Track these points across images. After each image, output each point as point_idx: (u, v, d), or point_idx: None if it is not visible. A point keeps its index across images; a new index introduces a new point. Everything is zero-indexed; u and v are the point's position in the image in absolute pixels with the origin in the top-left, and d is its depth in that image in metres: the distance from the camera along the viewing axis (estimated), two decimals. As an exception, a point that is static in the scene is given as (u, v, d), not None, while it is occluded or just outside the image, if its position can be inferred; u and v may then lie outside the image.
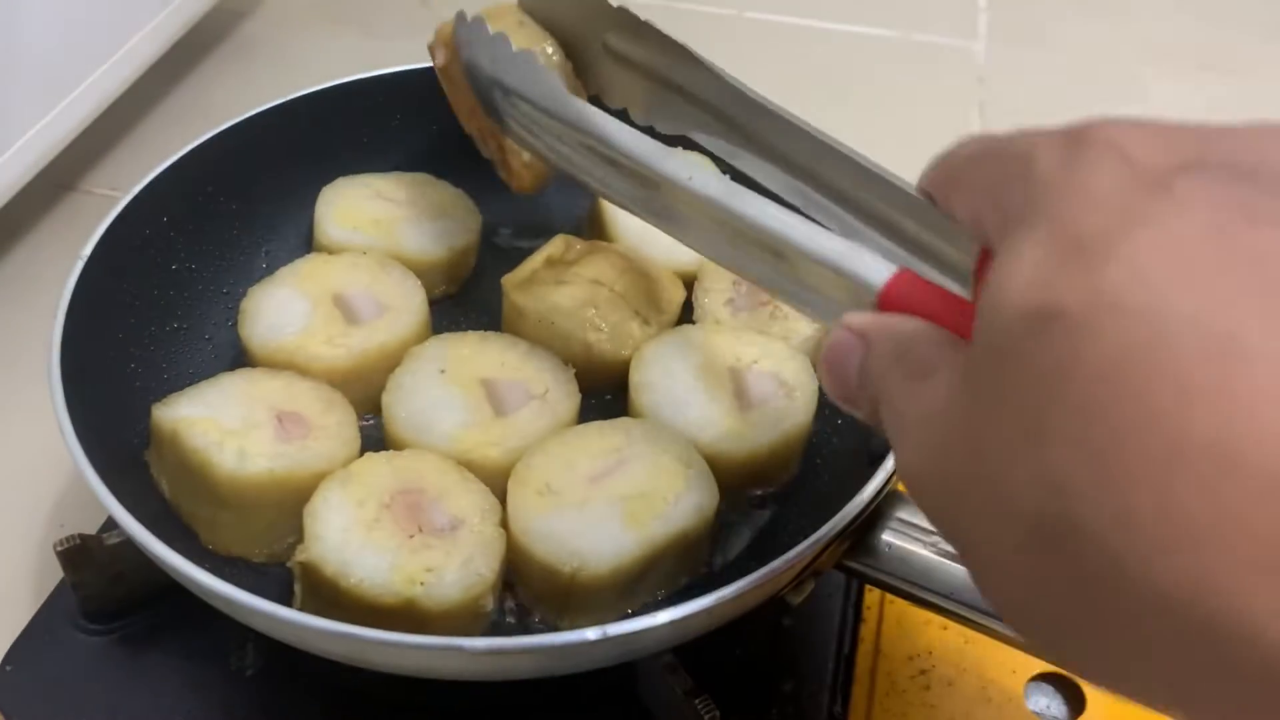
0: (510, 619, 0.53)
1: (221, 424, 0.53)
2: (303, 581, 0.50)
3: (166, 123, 1.06)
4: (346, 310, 0.60)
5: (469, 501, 0.52)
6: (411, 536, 0.50)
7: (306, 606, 0.50)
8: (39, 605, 0.58)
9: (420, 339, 0.61)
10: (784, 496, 0.58)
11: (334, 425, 0.55)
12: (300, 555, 0.49)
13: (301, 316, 0.60)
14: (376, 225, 0.66)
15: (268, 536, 0.54)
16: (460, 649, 0.42)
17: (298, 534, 0.51)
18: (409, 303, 0.61)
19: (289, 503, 0.52)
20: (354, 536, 0.49)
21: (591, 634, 0.43)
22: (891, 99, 1.13)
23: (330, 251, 0.64)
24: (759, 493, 0.58)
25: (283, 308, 0.60)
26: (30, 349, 0.83)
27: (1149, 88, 1.15)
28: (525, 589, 0.53)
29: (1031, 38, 1.22)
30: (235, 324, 0.61)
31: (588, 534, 0.50)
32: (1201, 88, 1.16)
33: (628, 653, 0.46)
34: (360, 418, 0.57)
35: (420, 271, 0.63)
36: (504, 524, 0.52)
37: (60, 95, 0.88)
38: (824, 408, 0.59)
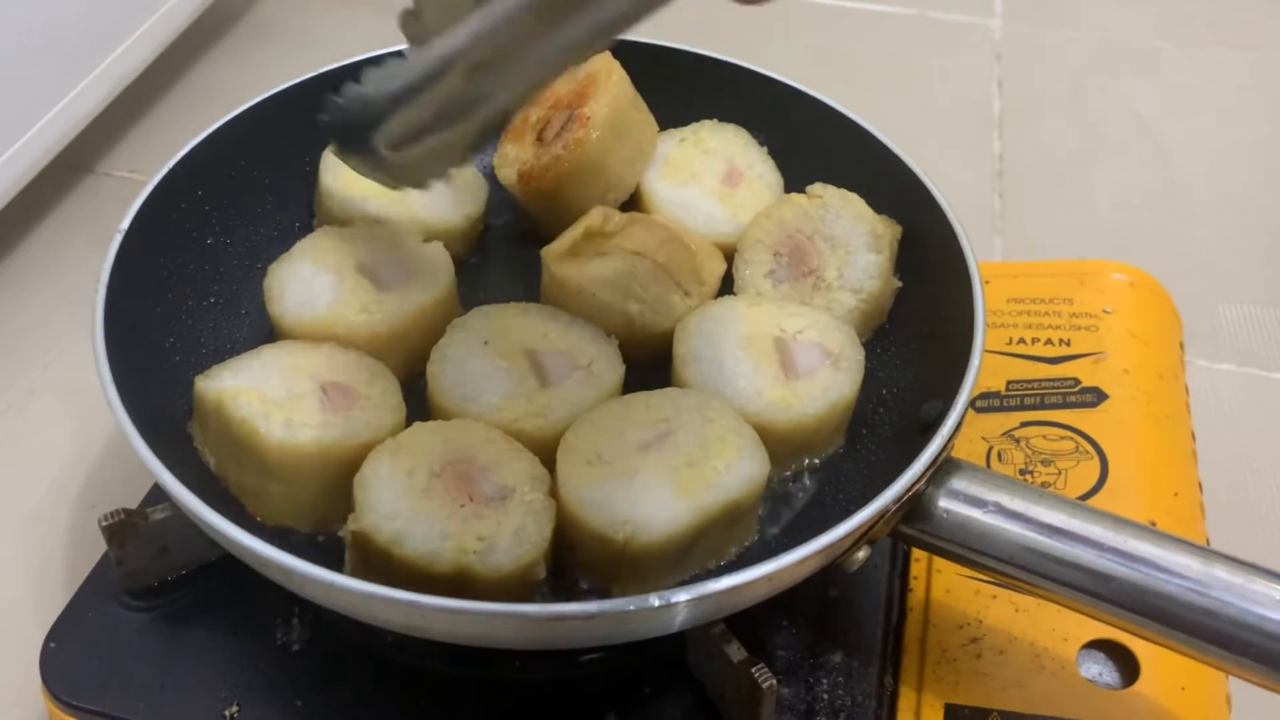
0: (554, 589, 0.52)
1: (266, 395, 0.53)
2: (353, 550, 0.49)
3: (182, 105, 1.05)
4: (374, 278, 0.60)
5: (519, 471, 0.51)
6: (462, 506, 0.49)
7: (357, 575, 0.49)
8: (78, 582, 0.57)
9: (451, 300, 0.61)
10: (830, 467, 0.58)
11: (379, 395, 0.55)
12: (352, 524, 0.49)
13: (330, 289, 0.59)
14: (387, 192, 0.65)
15: (316, 507, 0.53)
16: (524, 615, 0.42)
17: (346, 503, 0.50)
18: (436, 266, 0.61)
19: (337, 473, 0.52)
20: (405, 506, 0.49)
21: (655, 599, 0.42)
22: (910, 76, 1.12)
23: (340, 221, 0.63)
24: (805, 463, 0.58)
25: (309, 282, 0.59)
26: (53, 327, 0.83)
27: (1164, 63, 1.15)
28: (575, 558, 0.52)
29: (1048, 15, 1.21)
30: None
31: (640, 502, 0.50)
32: (1217, 63, 1.15)
33: (688, 619, 0.46)
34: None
35: (436, 238, 0.63)
36: (553, 493, 0.51)
37: (78, 77, 0.87)
38: (869, 378, 0.58)
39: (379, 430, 0.53)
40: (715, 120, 0.70)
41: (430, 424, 0.53)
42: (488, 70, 0.47)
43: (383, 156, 0.52)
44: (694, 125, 0.70)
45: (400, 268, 0.61)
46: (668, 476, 0.51)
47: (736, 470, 0.51)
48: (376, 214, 0.64)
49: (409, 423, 0.54)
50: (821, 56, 1.13)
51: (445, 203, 0.66)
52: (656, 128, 0.69)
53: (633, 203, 0.67)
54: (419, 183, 0.55)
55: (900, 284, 0.62)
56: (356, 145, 0.53)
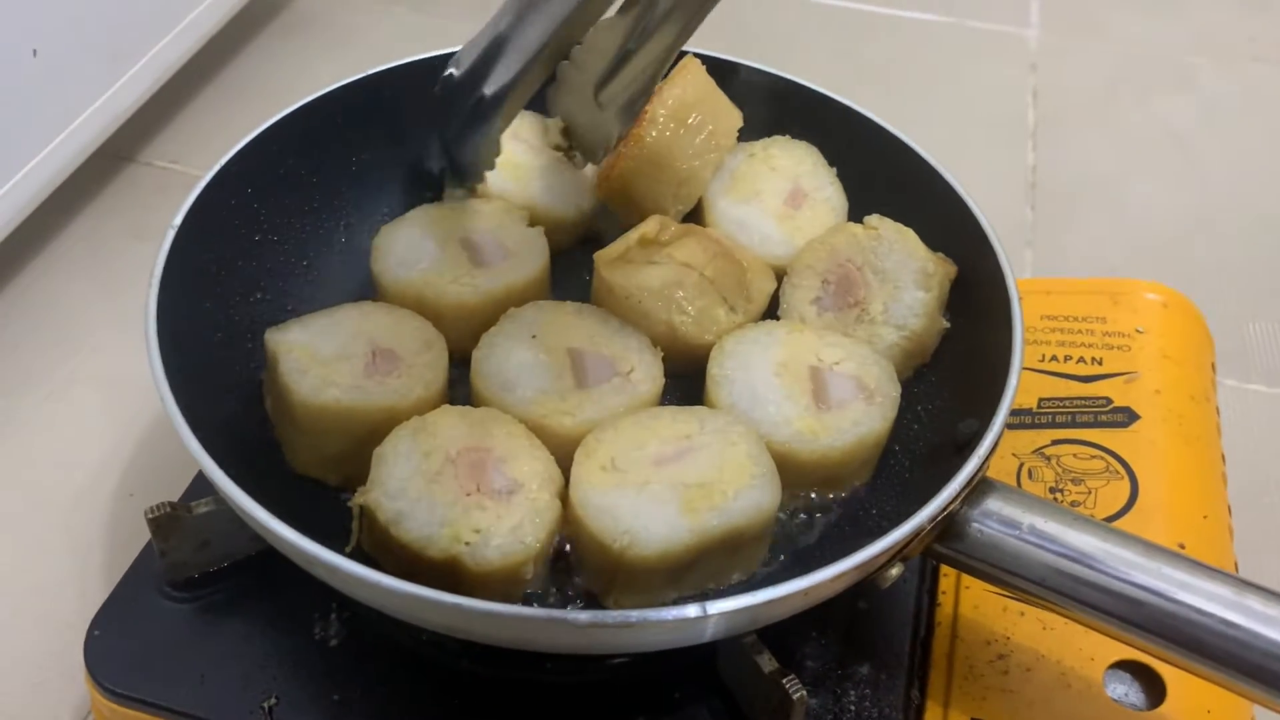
0: (553, 597, 0.53)
1: (316, 353, 0.55)
2: (359, 521, 0.51)
3: (223, 97, 1.06)
4: (473, 253, 0.62)
5: (531, 468, 0.52)
6: (468, 495, 0.51)
7: (363, 545, 0.52)
8: (118, 568, 0.58)
9: (542, 286, 0.63)
10: (856, 495, 0.58)
11: (421, 365, 0.56)
12: (359, 497, 0.51)
13: (430, 255, 0.62)
14: (516, 170, 0.67)
15: (341, 462, 0.56)
16: (566, 622, 0.43)
17: (369, 466, 0.52)
18: (532, 250, 0.63)
19: (359, 433, 0.54)
20: (413, 487, 0.50)
21: (693, 610, 0.43)
22: (945, 85, 1.13)
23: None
24: (830, 496, 0.58)
25: (413, 246, 0.62)
26: (92, 317, 0.84)
27: (1199, 78, 1.15)
28: (577, 561, 0.53)
29: (1084, 26, 1.21)
30: (317, 297, 0.61)
31: (642, 514, 0.50)
32: (1255, 79, 1.15)
33: (723, 630, 0.47)
34: (454, 365, 0.59)
35: (543, 224, 0.65)
36: (562, 495, 0.52)
37: (123, 69, 0.89)
38: (907, 399, 0.59)
39: (404, 398, 0.55)
40: (788, 137, 0.69)
41: (457, 409, 0.55)
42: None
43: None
44: (765, 140, 0.69)
45: (500, 247, 0.63)
46: (676, 494, 0.51)
47: (745, 497, 0.51)
48: (498, 189, 0.66)
49: (457, 402, 0.56)
50: (857, 62, 1.14)
51: (561, 192, 0.67)
52: (739, 117, 0.68)
53: (695, 214, 0.67)
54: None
55: (948, 325, 0.62)
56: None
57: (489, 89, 0.55)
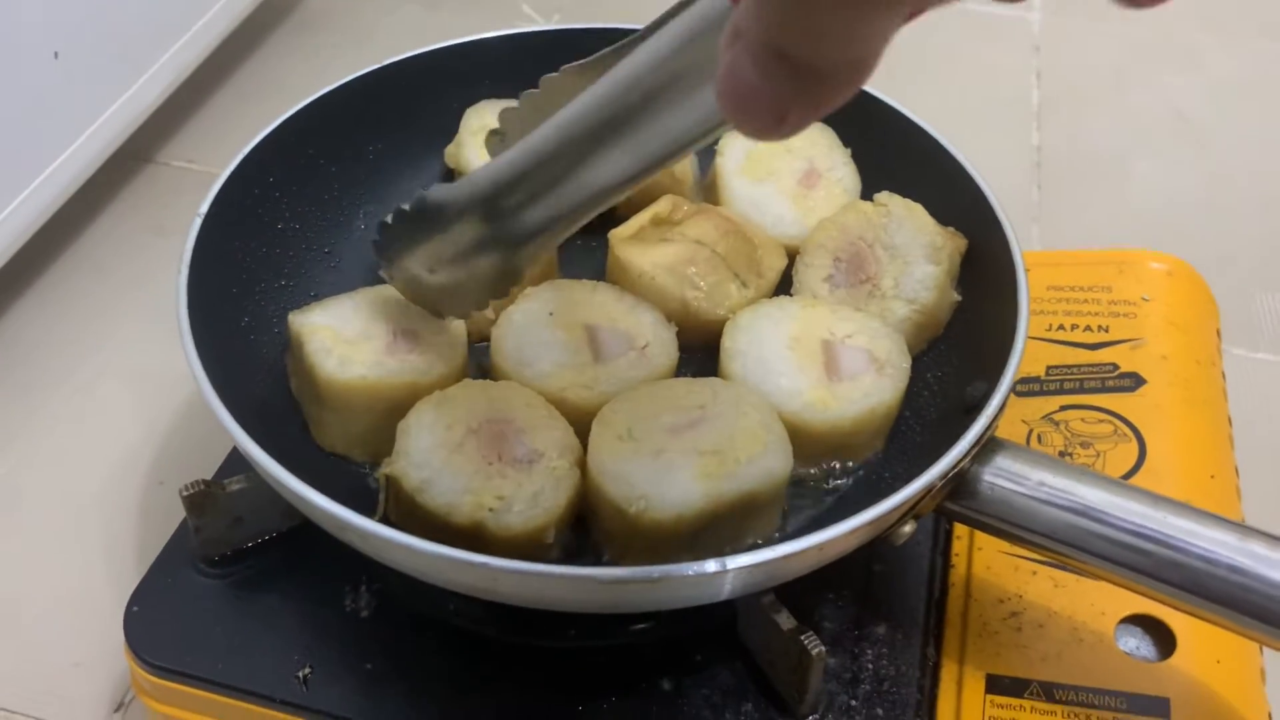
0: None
1: (340, 333, 0.57)
2: (387, 491, 0.53)
3: (238, 97, 1.08)
4: None
5: (551, 438, 0.54)
6: (490, 464, 0.52)
7: (390, 514, 0.54)
8: (149, 553, 0.60)
9: (550, 266, 0.64)
10: (870, 465, 0.59)
11: (440, 343, 0.58)
12: (385, 467, 0.53)
13: None
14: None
15: (367, 438, 0.57)
16: (591, 578, 0.44)
17: (395, 441, 0.54)
18: None
19: (384, 410, 0.56)
20: (437, 457, 0.52)
21: (712, 565, 0.45)
22: (948, 68, 1.14)
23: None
24: (846, 465, 0.59)
25: None
26: (117, 313, 0.86)
27: (1206, 57, 1.16)
28: (596, 526, 0.55)
29: (1087, 7, 1.22)
30: (339, 283, 0.63)
31: (658, 480, 0.52)
32: (1260, 56, 1.16)
33: (741, 586, 0.48)
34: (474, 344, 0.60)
35: None
36: (581, 464, 0.54)
37: (141, 70, 0.90)
38: (917, 367, 0.60)
39: (426, 374, 0.56)
40: None
41: (478, 382, 0.56)
42: (519, 198, 0.49)
43: (418, 277, 0.56)
44: None
45: None
46: (691, 460, 0.52)
47: (759, 463, 0.53)
48: None
49: (475, 378, 0.57)
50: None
51: None
52: None
53: (710, 194, 0.69)
54: (455, 311, 0.57)
55: (960, 299, 0.63)
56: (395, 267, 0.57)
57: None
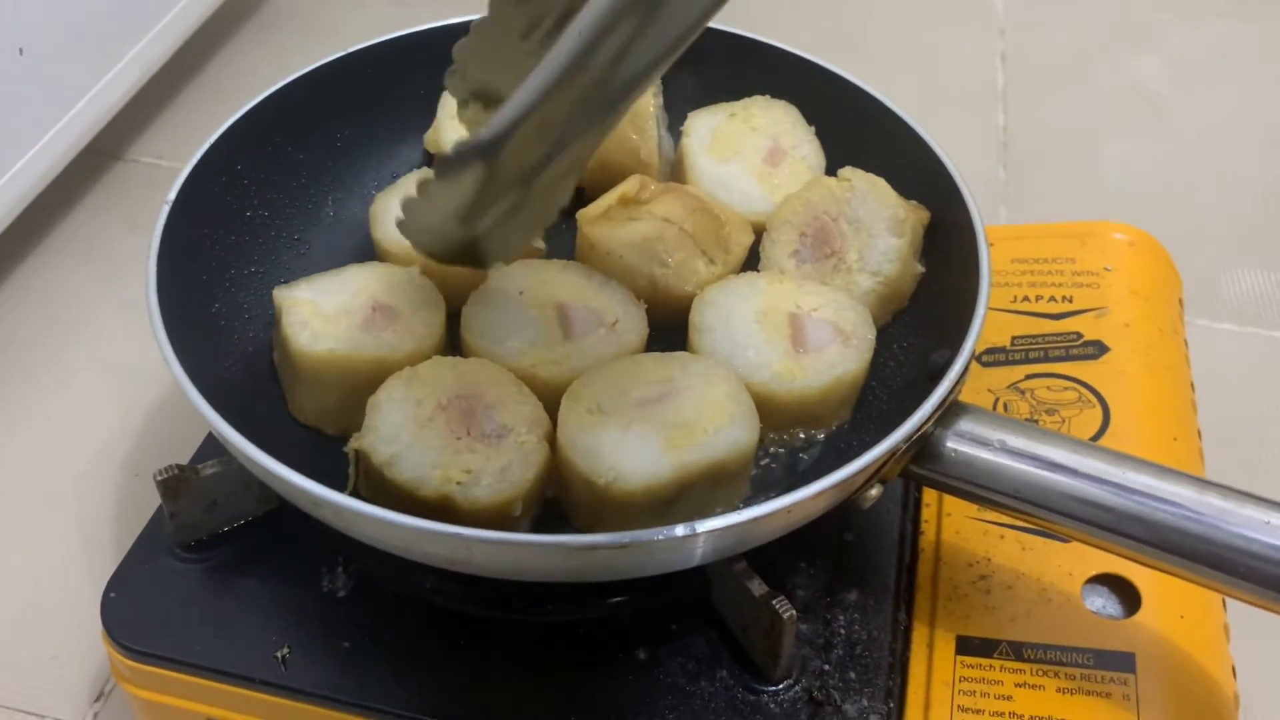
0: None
1: (319, 308, 0.58)
2: (356, 465, 0.54)
3: (205, 93, 1.08)
4: None
5: (519, 413, 0.55)
6: (459, 439, 0.53)
7: (359, 488, 0.54)
8: (125, 542, 0.60)
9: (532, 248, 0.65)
10: (837, 435, 0.60)
11: (417, 322, 0.59)
12: (354, 442, 0.53)
13: None
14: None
15: (338, 412, 0.58)
16: (561, 545, 0.45)
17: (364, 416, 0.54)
18: None
19: (353, 384, 0.56)
20: (406, 432, 0.53)
21: (681, 529, 0.45)
22: (913, 51, 1.15)
23: None
24: (814, 434, 0.60)
25: None
26: (91, 307, 0.86)
27: (1167, 35, 1.17)
28: (567, 501, 0.55)
29: (1049, -10, 1.24)
30: (309, 270, 0.63)
31: (627, 452, 0.52)
32: (1220, 34, 1.18)
33: (711, 551, 0.49)
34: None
35: None
36: (550, 438, 0.55)
37: (107, 67, 0.91)
38: (883, 338, 0.61)
39: (395, 350, 0.57)
40: (768, 96, 0.71)
41: (448, 359, 0.57)
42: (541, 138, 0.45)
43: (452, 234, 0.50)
44: (746, 100, 0.71)
45: None
46: (659, 432, 0.53)
47: (725, 434, 0.53)
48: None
49: (450, 354, 0.58)
50: (825, 27, 1.16)
51: None
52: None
53: (676, 173, 0.69)
54: (503, 254, 0.53)
55: (923, 270, 0.64)
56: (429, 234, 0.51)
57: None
